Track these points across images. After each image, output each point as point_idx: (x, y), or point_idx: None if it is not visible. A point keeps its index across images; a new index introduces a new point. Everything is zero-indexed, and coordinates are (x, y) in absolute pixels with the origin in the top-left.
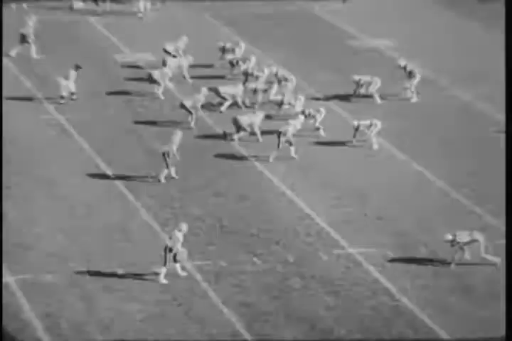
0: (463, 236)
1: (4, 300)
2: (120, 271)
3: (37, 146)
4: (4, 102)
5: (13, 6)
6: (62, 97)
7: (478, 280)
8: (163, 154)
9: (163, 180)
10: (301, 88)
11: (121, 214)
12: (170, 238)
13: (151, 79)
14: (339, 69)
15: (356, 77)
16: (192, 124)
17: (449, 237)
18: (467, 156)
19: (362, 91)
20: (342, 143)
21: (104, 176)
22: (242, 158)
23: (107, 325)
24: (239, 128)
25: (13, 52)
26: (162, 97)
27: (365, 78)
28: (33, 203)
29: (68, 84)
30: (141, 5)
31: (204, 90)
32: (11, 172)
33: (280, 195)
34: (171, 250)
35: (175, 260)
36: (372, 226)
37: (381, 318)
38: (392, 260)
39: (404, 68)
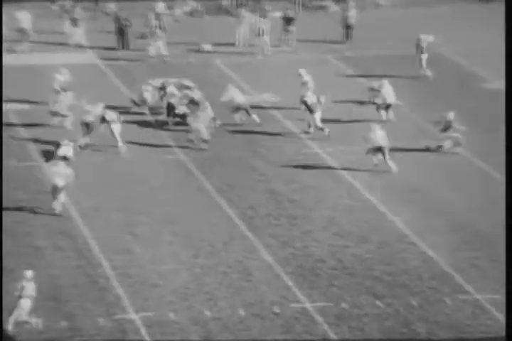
0: None
1: (129, 337)
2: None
3: (160, 186)
4: (131, 146)
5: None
6: None
7: None
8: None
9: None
10: (423, 128)
11: (242, 253)
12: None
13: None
14: (466, 110)
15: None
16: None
17: None
18: None
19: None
20: (468, 186)
21: (226, 215)
22: (361, 197)
23: None
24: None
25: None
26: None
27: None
28: (158, 241)
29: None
30: (265, 46)
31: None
32: (137, 211)
33: (403, 236)
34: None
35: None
36: (499, 272)
37: None
38: None
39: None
